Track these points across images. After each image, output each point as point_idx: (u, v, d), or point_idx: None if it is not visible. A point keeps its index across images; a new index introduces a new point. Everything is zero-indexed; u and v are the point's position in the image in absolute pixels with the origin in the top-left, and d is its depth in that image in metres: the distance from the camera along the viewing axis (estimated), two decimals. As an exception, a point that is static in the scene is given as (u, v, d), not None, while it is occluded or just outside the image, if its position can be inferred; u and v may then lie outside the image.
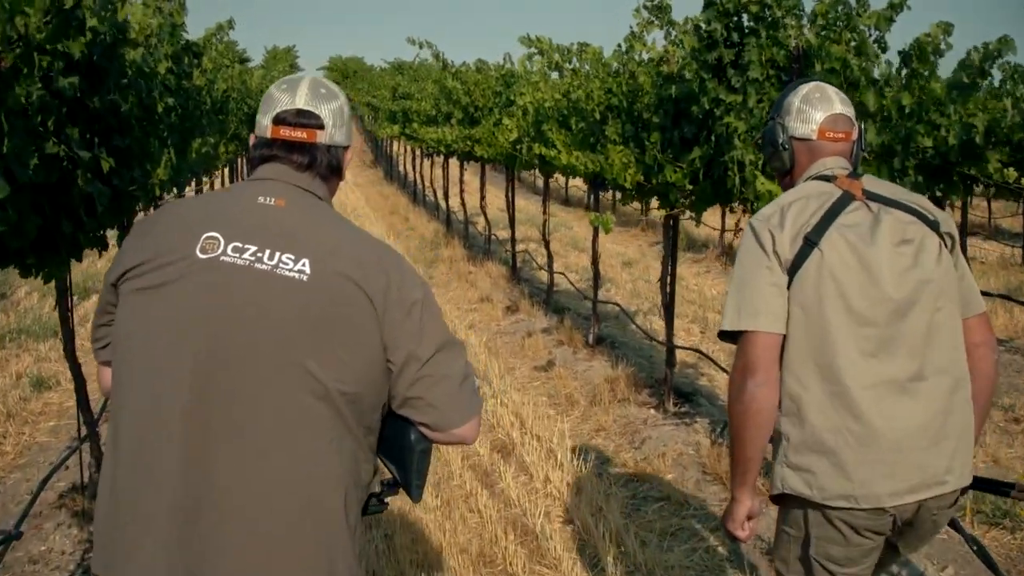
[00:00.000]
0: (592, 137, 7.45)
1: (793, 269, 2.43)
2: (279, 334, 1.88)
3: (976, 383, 2.55)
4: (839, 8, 4.88)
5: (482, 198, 13.60)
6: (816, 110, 2.66)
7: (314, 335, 1.89)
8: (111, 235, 4.56)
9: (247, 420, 1.87)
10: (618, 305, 9.23)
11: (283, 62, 41.02)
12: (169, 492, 1.86)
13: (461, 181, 15.15)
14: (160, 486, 1.87)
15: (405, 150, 24.65)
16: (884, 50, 4.90)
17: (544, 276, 12.15)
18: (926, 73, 4.46)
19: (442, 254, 14.32)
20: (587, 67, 7.95)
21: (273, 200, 2.00)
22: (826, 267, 2.41)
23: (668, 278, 6.83)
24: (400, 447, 2.04)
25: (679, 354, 7.34)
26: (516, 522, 5.02)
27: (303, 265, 1.91)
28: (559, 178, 21.51)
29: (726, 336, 2.52)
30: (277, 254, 1.92)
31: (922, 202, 2.60)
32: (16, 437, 6.47)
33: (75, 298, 10.56)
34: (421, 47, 12.39)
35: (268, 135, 2.08)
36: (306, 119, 2.07)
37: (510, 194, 11.72)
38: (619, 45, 7.25)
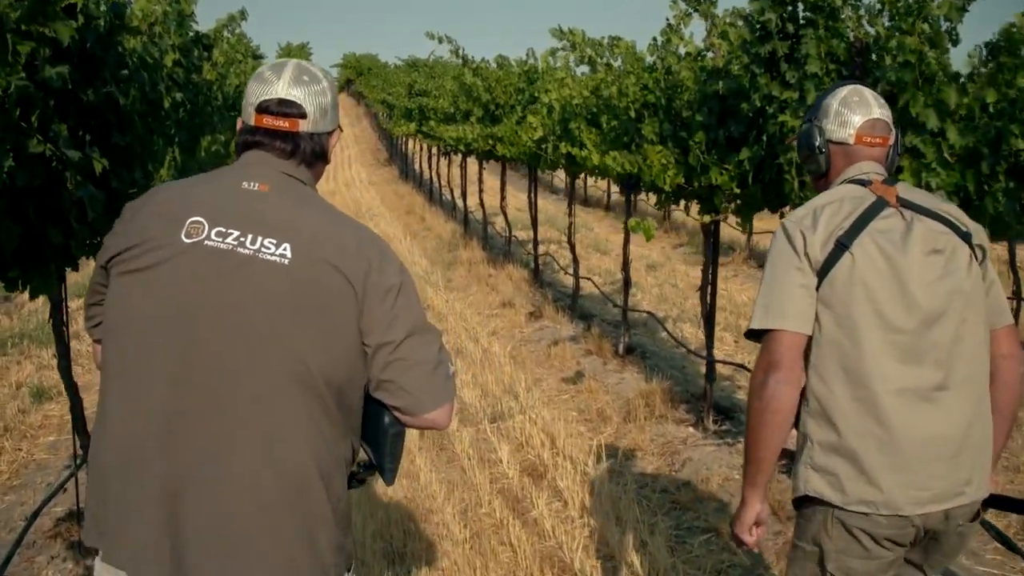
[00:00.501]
0: (626, 136, 7.02)
1: (823, 271, 2.44)
2: (261, 317, 1.94)
3: (1002, 395, 2.58)
4: (910, -4, 4.44)
5: (502, 198, 13.18)
6: (854, 114, 2.66)
7: (295, 318, 1.94)
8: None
9: (228, 401, 1.93)
10: (652, 315, 8.78)
11: (296, 58, 40.56)
12: (153, 474, 1.92)
13: (480, 180, 14.72)
14: (144, 467, 1.93)
15: (421, 148, 24.23)
16: (955, 43, 4.46)
17: (567, 279, 11.73)
18: (1014, 67, 4.01)
19: (460, 256, 13.88)
20: (619, 62, 7.53)
21: (256, 185, 2.04)
22: (857, 271, 2.42)
23: (708, 287, 6.39)
24: (375, 430, 2.09)
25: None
26: (552, 557, 4.59)
27: (284, 249, 1.96)
28: (580, 177, 21.15)
29: (753, 335, 2.52)
30: (259, 238, 1.97)
31: (955, 212, 2.59)
32: (12, 454, 6.07)
33: (76, 303, 10.21)
34: (440, 42, 11.97)
35: (252, 123, 2.11)
36: (288, 108, 2.10)
37: (533, 195, 11.29)
38: (654, 39, 6.82)
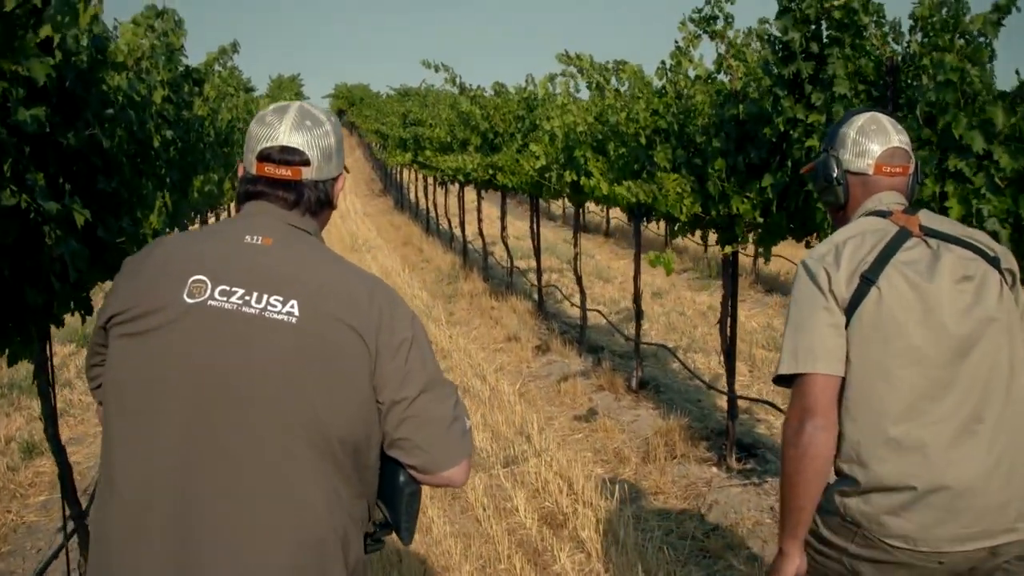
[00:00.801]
0: (636, 164, 6.75)
1: (851, 309, 2.38)
2: (270, 379, 1.86)
3: None
4: (944, 11, 4.18)
5: (503, 228, 12.90)
6: (872, 143, 2.61)
7: (306, 378, 1.87)
8: (102, 288, 3.86)
9: (239, 471, 1.84)
10: (668, 348, 8.46)
11: (288, 91, 40.28)
12: (164, 548, 1.83)
13: (479, 211, 14.44)
14: (153, 541, 1.84)
15: (416, 178, 23.99)
16: (992, 59, 4.19)
17: (572, 310, 11.44)
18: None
19: (461, 288, 13.59)
20: (625, 87, 7.27)
21: (260, 239, 1.97)
22: (885, 306, 2.36)
23: (728, 320, 6.10)
24: (390, 489, 2.03)
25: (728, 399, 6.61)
26: (579, 618, 4.28)
27: (292, 307, 1.89)
28: (569, 204, 20.85)
29: (782, 380, 2.44)
30: (265, 296, 1.90)
31: (981, 238, 2.53)
32: (2, 516, 5.74)
33: (68, 348, 9.90)
34: (437, 70, 11.74)
35: (253, 171, 2.05)
36: (291, 156, 2.03)
37: (535, 224, 10.99)
38: (662, 62, 6.56)
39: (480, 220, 14.40)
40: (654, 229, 17.92)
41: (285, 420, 1.86)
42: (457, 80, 12.12)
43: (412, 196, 26.03)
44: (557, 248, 17.62)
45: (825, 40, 4.69)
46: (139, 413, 1.89)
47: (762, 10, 5.68)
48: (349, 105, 47.75)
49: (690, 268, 15.19)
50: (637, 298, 7.72)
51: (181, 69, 5.95)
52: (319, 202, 2.07)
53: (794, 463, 2.36)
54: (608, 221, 20.91)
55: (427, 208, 21.43)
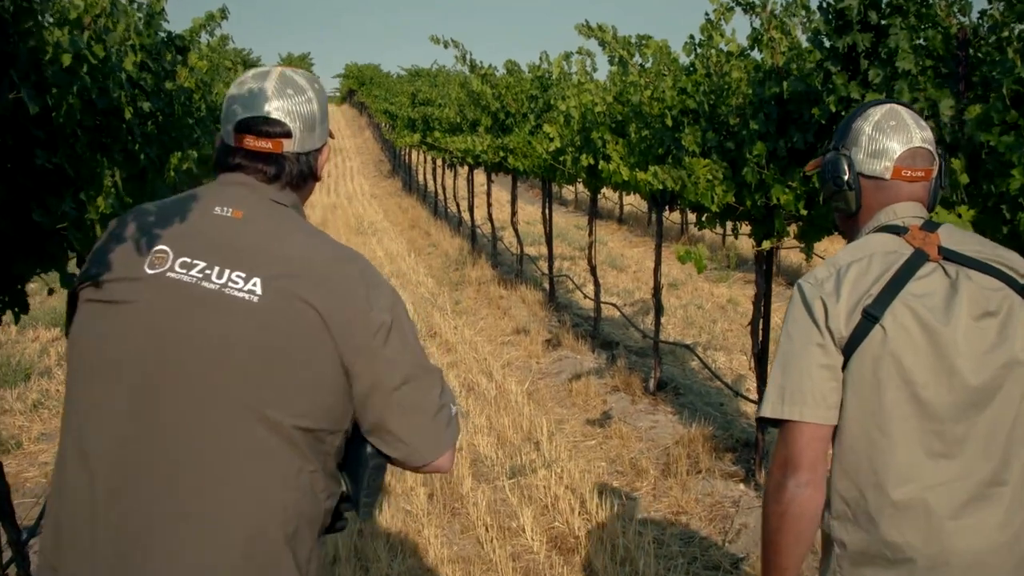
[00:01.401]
0: (660, 147, 6.18)
1: (849, 348, 2.06)
2: (225, 364, 1.75)
3: None
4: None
5: (513, 213, 12.32)
6: (891, 141, 2.21)
7: (265, 364, 1.76)
8: (41, 285, 3.32)
9: (184, 460, 1.73)
10: (690, 348, 7.86)
11: (281, 67, 39.65)
12: (103, 533, 1.74)
13: (488, 194, 13.87)
14: (95, 528, 1.74)
15: (425, 160, 23.43)
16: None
17: (584, 301, 10.88)
18: None
19: (469, 275, 13.02)
20: (648, 64, 6.69)
21: (230, 211, 1.88)
22: (889, 348, 2.03)
23: (761, 321, 5.54)
24: (354, 459, 1.94)
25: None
26: (593, 667, 3.74)
27: (254, 284, 1.79)
28: (583, 188, 20.15)
29: (766, 423, 2.13)
30: (227, 271, 1.80)
31: (1012, 260, 2.15)
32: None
33: (56, 331, 9.37)
34: (446, 46, 11.14)
35: (231, 142, 1.94)
36: (271, 127, 1.93)
37: (547, 210, 10.42)
38: (691, 37, 6.00)
39: (490, 204, 13.85)
40: (668, 217, 17.35)
41: (235, 403, 1.74)
42: (467, 57, 11.52)
43: (420, 178, 25.48)
44: (569, 234, 17.06)
45: (885, 8, 4.11)
46: (92, 382, 1.81)
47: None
48: (359, 85, 46.97)
49: (709, 258, 14.62)
50: (657, 292, 7.15)
51: (162, 35, 5.40)
52: (301, 175, 1.98)
53: (775, 521, 2.08)
54: (622, 207, 20.34)
55: (435, 191, 20.89)
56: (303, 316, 1.78)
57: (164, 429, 1.74)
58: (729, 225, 5.72)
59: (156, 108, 5.07)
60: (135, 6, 4.89)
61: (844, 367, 2.09)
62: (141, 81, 4.89)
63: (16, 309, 3.03)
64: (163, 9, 5.23)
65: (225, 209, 1.88)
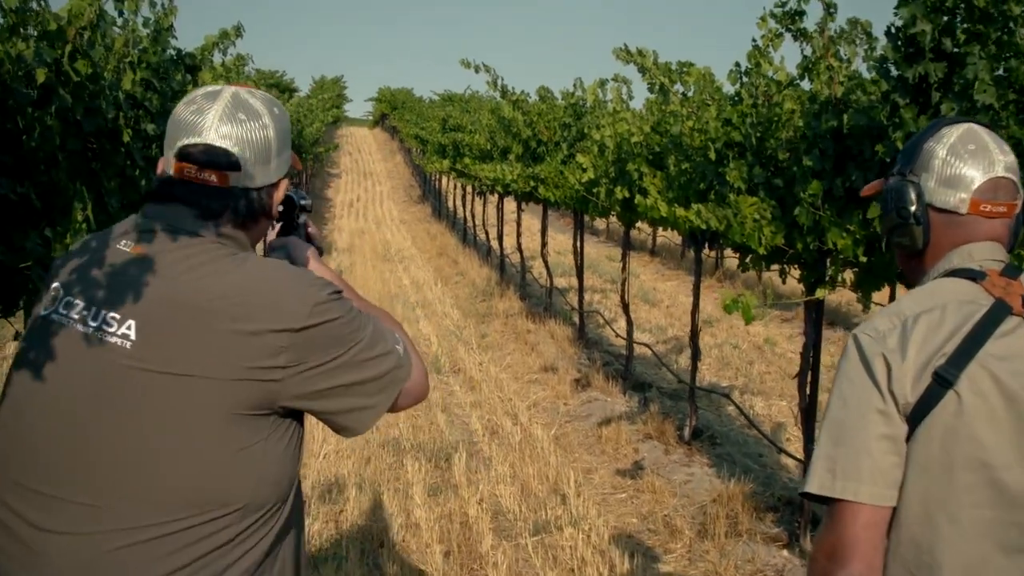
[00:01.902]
0: (702, 182, 5.77)
1: (916, 417, 1.70)
2: (85, 416, 1.60)
3: None
4: None
5: (543, 244, 11.94)
6: (969, 168, 1.85)
7: (130, 419, 1.59)
8: (11, 325, 2.97)
9: (33, 530, 1.61)
10: (728, 397, 7.39)
11: (330, 91, 39.61)
12: None
13: (518, 223, 13.50)
14: None
15: (455, 186, 23.13)
16: None
17: (615, 338, 10.44)
18: None
19: (496, 307, 12.61)
20: (690, 92, 6.30)
21: (131, 246, 1.69)
22: (964, 419, 1.68)
23: (809, 374, 5.10)
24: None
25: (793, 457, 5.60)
26: None
27: (128, 328, 1.61)
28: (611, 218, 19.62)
29: (813, 499, 1.78)
30: (103, 313, 1.64)
31: None
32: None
33: None
34: (477, 70, 10.80)
35: (171, 171, 1.73)
36: (217, 157, 1.70)
37: (579, 242, 10.03)
38: (736, 64, 5.61)
39: (519, 233, 13.48)
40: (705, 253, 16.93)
41: (95, 467, 1.59)
42: (499, 83, 11.19)
43: (450, 204, 25.18)
44: (599, 266, 16.66)
45: (961, 35, 3.69)
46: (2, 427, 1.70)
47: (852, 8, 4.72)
48: (392, 109, 46.89)
49: (743, 296, 14.14)
50: (694, 336, 6.71)
51: (171, 53, 5.07)
52: (250, 213, 1.75)
53: None
54: (654, 239, 19.92)
55: (465, 218, 20.57)
56: (188, 367, 1.61)
57: (29, 492, 1.64)
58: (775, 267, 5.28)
59: (162, 130, 4.71)
60: (140, 20, 4.56)
61: (908, 439, 1.75)
62: (146, 101, 4.56)
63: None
64: (172, 25, 4.88)
65: (126, 243, 1.70)
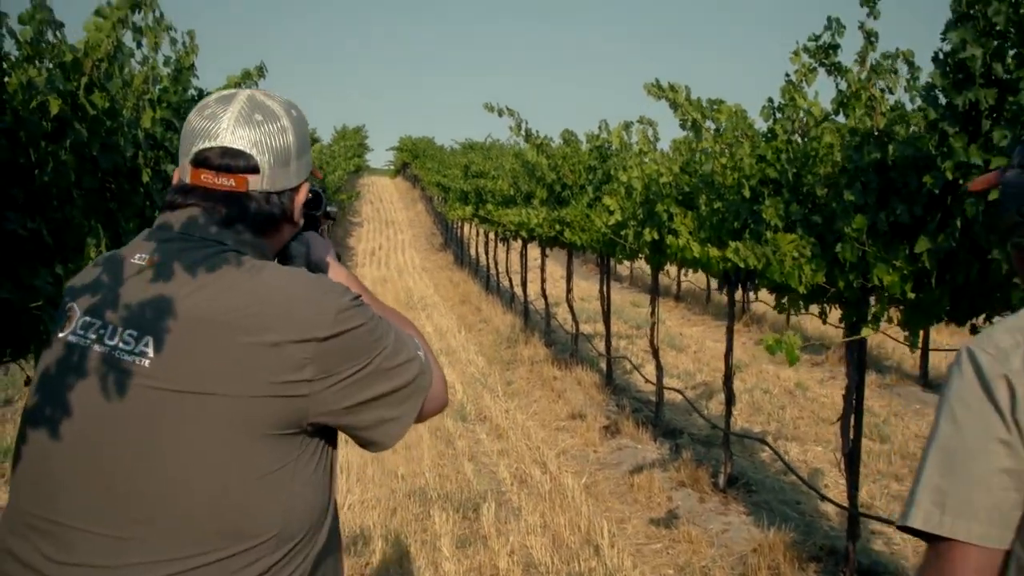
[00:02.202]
0: (736, 221, 5.61)
1: None
2: (107, 442, 1.51)
3: None
4: None
5: (568, 290, 11.79)
6: None
7: (152, 444, 1.49)
8: (23, 368, 2.81)
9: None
10: (764, 442, 7.15)
11: (352, 140, 39.81)
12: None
13: (543, 269, 13.37)
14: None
15: (477, 233, 23.05)
16: None
17: (644, 384, 10.22)
18: None
19: (521, 353, 12.43)
20: (721, 128, 6.16)
21: (145, 258, 1.60)
22: None
23: (852, 417, 4.89)
24: None
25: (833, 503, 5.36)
26: None
27: (146, 345, 1.52)
28: (641, 263, 19.39)
29: (913, 533, 1.50)
30: (119, 331, 1.55)
31: None
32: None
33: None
34: (500, 114, 10.70)
35: (188, 180, 1.65)
36: (234, 159, 1.63)
37: (605, 287, 9.87)
38: (769, 100, 5.49)
39: (544, 279, 13.35)
40: (724, 294, 16.72)
41: (117, 495, 1.50)
42: (523, 126, 11.09)
43: (473, 252, 25.11)
44: (624, 312, 16.48)
45: (1011, 60, 3.54)
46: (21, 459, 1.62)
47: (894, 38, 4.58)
48: (413, 158, 47.12)
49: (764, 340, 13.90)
50: (728, 380, 6.50)
51: (192, 93, 4.98)
52: (270, 219, 1.68)
53: None
54: (679, 283, 19.73)
55: (487, 265, 20.45)
56: (209, 385, 1.53)
57: (50, 523, 1.56)
58: (813, 307, 5.08)
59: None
60: (160, 59, 4.47)
61: None
62: (166, 142, 4.46)
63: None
64: (193, 64, 4.80)
65: (141, 256, 1.62)
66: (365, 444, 1.69)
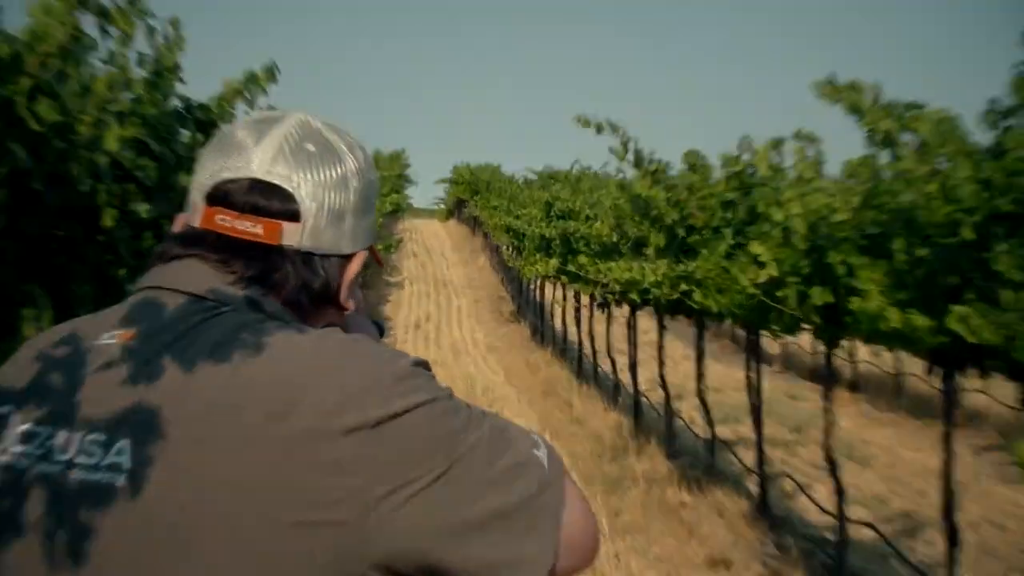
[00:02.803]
0: (952, 274, 5.49)
1: None
2: None
3: None
4: None
5: (699, 377, 11.73)
6: None
7: None
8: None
9: None
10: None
11: (389, 170, 40.50)
12: None
13: (660, 348, 13.36)
14: None
15: (565, 296, 23.24)
16: None
17: (812, 510, 10.06)
18: None
19: (632, 469, 12.38)
20: (921, 141, 6.08)
21: (116, 336, 1.54)
22: None
23: None
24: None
25: None
26: None
27: (118, 455, 1.43)
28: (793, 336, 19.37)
29: None
30: (77, 438, 1.47)
31: None
32: None
33: None
34: (599, 130, 10.82)
35: (197, 222, 1.62)
36: (267, 198, 1.60)
37: (755, 373, 9.77)
38: (990, 102, 5.43)
39: (662, 362, 13.37)
40: (929, 381, 16.59)
41: None
42: (630, 147, 11.14)
43: (558, 323, 25.28)
44: (777, 407, 16.32)
45: None
46: None
47: None
48: (472, 193, 47.89)
49: (994, 445, 13.71)
50: (949, 512, 6.31)
51: (176, 103, 5.05)
52: (307, 290, 1.63)
53: None
54: (855, 366, 19.54)
55: (580, 341, 20.57)
56: (220, 503, 1.44)
57: None
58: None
59: (160, 213, 4.68)
60: (133, 58, 4.52)
61: None
62: (137, 171, 4.53)
63: None
64: (177, 64, 4.86)
65: (111, 335, 1.55)
66: None
